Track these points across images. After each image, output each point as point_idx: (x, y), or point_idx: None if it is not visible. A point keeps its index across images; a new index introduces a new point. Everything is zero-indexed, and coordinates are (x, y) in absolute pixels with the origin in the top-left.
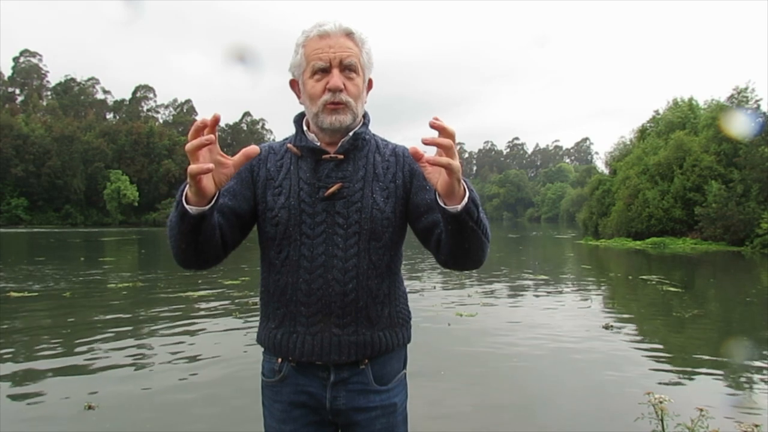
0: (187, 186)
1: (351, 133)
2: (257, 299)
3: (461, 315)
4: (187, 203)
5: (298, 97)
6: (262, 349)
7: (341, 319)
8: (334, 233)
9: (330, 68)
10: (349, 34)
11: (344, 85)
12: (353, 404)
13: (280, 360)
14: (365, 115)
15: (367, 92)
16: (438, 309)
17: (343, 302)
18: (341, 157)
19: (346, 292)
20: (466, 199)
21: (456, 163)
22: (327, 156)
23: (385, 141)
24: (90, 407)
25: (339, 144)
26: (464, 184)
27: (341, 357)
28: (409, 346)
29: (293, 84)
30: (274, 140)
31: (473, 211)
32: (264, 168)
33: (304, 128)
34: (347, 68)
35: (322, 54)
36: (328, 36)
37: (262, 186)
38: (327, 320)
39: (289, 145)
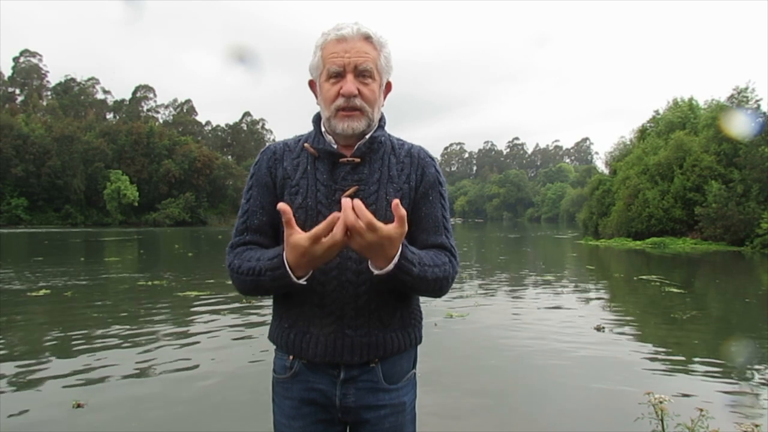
0: (297, 260)
1: (368, 137)
2: (261, 299)
3: (452, 316)
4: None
5: (316, 97)
6: (274, 347)
7: (354, 321)
8: None
9: (344, 73)
10: (367, 38)
11: (359, 90)
12: (363, 402)
13: (291, 357)
14: (381, 117)
15: (386, 95)
16: (430, 308)
17: (357, 304)
18: (358, 160)
19: (359, 294)
20: (391, 265)
21: (361, 243)
22: (344, 159)
23: (401, 141)
24: (79, 405)
25: (356, 147)
26: (400, 250)
27: (353, 358)
28: None
29: (312, 85)
30: (274, 140)
31: (404, 278)
32: (281, 167)
33: (323, 129)
34: (362, 73)
35: (337, 59)
36: (345, 40)
37: (280, 186)
38: (340, 322)
39: (306, 145)
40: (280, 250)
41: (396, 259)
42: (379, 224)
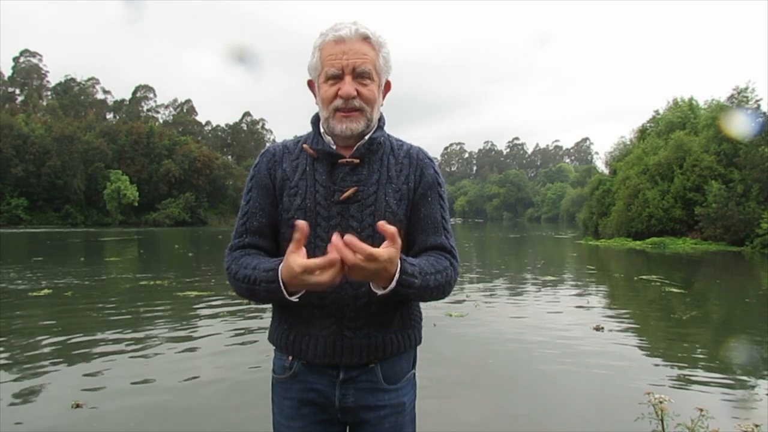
0: (291, 280)
1: (367, 137)
2: None
3: (451, 315)
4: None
5: (315, 98)
6: (273, 347)
7: (354, 322)
8: None
9: (343, 75)
10: (365, 39)
11: (357, 91)
12: (362, 402)
13: (290, 357)
14: (381, 118)
15: (385, 95)
16: (429, 308)
17: (356, 306)
18: (357, 161)
19: (358, 295)
20: (393, 283)
21: (363, 274)
22: (343, 160)
23: (401, 142)
24: (78, 405)
25: (355, 148)
26: (400, 265)
27: (353, 359)
28: None
29: (311, 85)
30: (274, 140)
31: (406, 292)
32: (280, 168)
33: (321, 130)
34: (360, 75)
35: (335, 61)
36: (343, 41)
37: (279, 187)
38: (340, 323)
39: (305, 146)
40: (277, 264)
41: (396, 276)
42: (378, 251)
